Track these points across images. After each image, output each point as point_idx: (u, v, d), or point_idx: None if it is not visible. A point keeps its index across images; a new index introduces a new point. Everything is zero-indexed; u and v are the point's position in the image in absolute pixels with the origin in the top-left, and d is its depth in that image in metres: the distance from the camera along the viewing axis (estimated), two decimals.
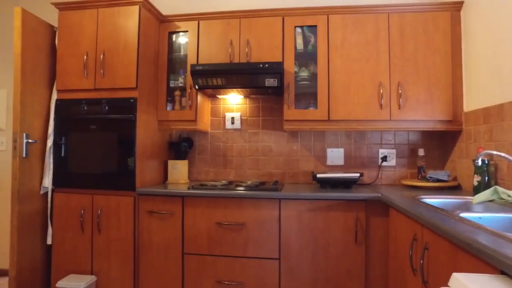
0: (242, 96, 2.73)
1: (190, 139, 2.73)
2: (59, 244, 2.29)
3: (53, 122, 2.36)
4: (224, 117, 2.77)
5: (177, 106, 2.55)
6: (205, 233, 2.13)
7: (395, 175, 2.62)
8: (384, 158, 2.61)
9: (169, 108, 2.55)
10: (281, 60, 2.39)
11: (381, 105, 2.31)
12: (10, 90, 3.24)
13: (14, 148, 2.16)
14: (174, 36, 2.59)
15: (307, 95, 2.52)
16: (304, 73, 2.47)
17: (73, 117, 2.32)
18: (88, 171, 2.27)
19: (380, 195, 1.98)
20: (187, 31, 2.53)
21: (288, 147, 2.71)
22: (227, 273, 2.11)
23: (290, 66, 2.40)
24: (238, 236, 2.10)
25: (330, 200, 2.04)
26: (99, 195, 2.24)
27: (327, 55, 2.37)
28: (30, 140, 2.24)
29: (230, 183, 2.45)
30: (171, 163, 2.56)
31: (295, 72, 2.44)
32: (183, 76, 2.54)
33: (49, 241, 2.36)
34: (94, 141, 2.27)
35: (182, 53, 2.57)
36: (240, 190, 2.11)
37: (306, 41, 2.47)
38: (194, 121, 2.45)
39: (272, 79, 2.27)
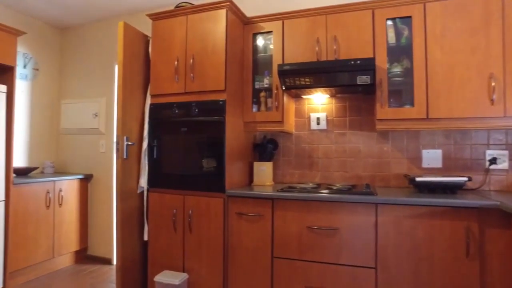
0: (328, 96, 2.61)
1: (275, 140, 2.70)
2: (154, 240, 2.42)
3: (147, 125, 2.50)
4: (309, 117, 2.69)
5: (262, 108, 2.54)
6: (295, 237, 2.07)
7: (507, 180, 2.28)
8: (493, 161, 2.29)
9: (254, 109, 2.55)
10: (372, 56, 2.24)
11: (492, 101, 2.03)
12: (108, 98, 3.55)
13: (117, 150, 2.33)
14: (258, 37, 2.59)
15: (401, 93, 2.32)
16: (397, 69, 2.28)
17: (165, 120, 2.43)
18: (179, 172, 2.35)
19: (498, 203, 1.72)
20: (271, 31, 2.50)
21: (378, 148, 2.52)
22: (319, 280, 2.01)
23: (382, 61, 2.23)
24: (330, 242, 2.00)
25: (434, 207, 1.84)
26: (190, 196, 2.31)
27: (424, 47, 2.16)
28: (129, 143, 2.39)
29: (319, 185, 2.36)
30: (257, 164, 2.55)
31: (387, 68, 2.26)
32: (268, 77, 2.52)
33: (145, 238, 2.50)
34: (185, 143, 2.35)
35: (266, 54, 2.55)
36: (333, 194, 2.01)
37: (398, 34, 2.28)
38: (281, 122, 2.41)
39: (364, 76, 2.13)
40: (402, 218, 1.88)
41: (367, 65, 2.09)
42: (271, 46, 2.52)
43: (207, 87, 2.30)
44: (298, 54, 2.40)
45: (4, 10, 3.34)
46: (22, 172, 3.27)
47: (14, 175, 3.16)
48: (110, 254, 3.48)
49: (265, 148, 2.61)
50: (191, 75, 2.35)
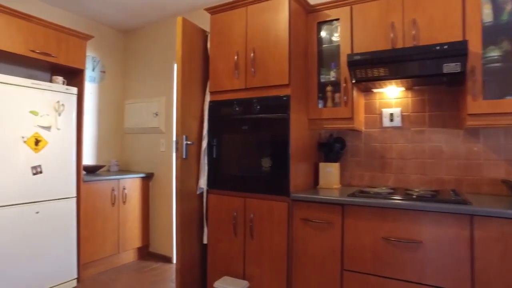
0: (403, 89, 2.31)
1: (342, 139, 2.46)
2: (214, 244, 2.32)
3: (207, 124, 2.41)
4: (380, 113, 2.40)
5: (329, 103, 2.31)
6: (369, 249, 1.82)
7: None
8: None
9: (320, 105, 2.33)
10: (461, 39, 1.90)
11: None
12: (168, 97, 3.57)
13: (177, 149, 2.27)
14: (323, 26, 2.36)
15: (498, 82, 1.95)
16: (494, 53, 1.91)
17: (225, 118, 2.32)
18: (240, 173, 2.23)
19: None
20: (338, 19, 2.26)
21: (465, 148, 2.16)
22: None
23: (474, 45, 1.88)
24: (412, 257, 1.72)
25: None
26: (252, 199, 2.17)
27: None
28: (188, 142, 2.32)
29: (394, 190, 2.08)
30: (322, 165, 2.34)
31: (481, 53, 1.90)
32: (335, 70, 2.28)
33: (205, 240, 2.42)
34: (246, 142, 2.21)
35: (332, 44, 2.32)
36: (416, 201, 1.73)
37: (498, 10, 1.91)
38: (351, 119, 2.17)
39: (452, 64, 1.81)
40: (508, 235, 1.55)
41: (458, 50, 1.76)
42: (338, 35, 2.28)
43: (269, 82, 2.14)
44: (369, 42, 2.14)
45: (73, 17, 3.50)
46: (91, 170, 3.40)
47: (84, 172, 3.30)
48: (170, 252, 3.50)
49: (332, 147, 2.38)
50: (252, 69, 2.20)
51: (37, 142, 2.58)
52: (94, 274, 3.12)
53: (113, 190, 3.24)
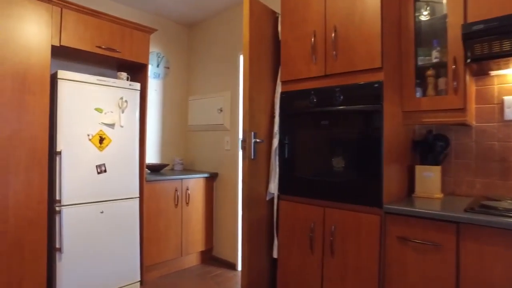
0: None
1: (444, 136, 1.97)
2: (285, 259, 2.00)
3: (278, 119, 2.09)
4: (501, 103, 1.86)
5: (430, 91, 1.84)
6: (501, 286, 1.35)
7: None
8: None
9: (418, 94, 1.87)
10: None
11: None
12: (233, 91, 3.33)
13: (244, 148, 1.99)
14: None
15: None
16: None
17: (300, 112, 1.97)
18: (318, 177, 1.87)
19: None
20: None
21: None
22: None
23: None
24: None
25: None
26: (333, 209, 1.80)
27: None
28: (257, 140, 2.03)
29: None
30: (420, 169, 1.88)
31: None
32: (438, 49, 1.81)
33: (275, 255, 2.11)
34: (325, 140, 1.84)
35: (435, 16, 1.85)
36: None
37: None
38: (463, 110, 1.68)
39: None
40: None
41: None
42: (444, 3, 1.80)
43: (355, 66, 1.75)
44: (493, 6, 1.62)
45: (136, 12, 3.43)
46: (155, 169, 3.30)
47: (147, 171, 3.20)
48: (234, 258, 3.26)
49: (432, 146, 1.91)
50: (333, 52, 1.83)
51: (101, 140, 2.49)
52: (157, 278, 3.00)
53: (176, 190, 3.09)
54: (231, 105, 3.33)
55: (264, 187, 2.12)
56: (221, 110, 3.38)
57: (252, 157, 1.99)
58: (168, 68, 3.72)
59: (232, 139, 3.30)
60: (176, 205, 3.09)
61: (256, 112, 2.05)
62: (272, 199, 2.15)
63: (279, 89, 2.11)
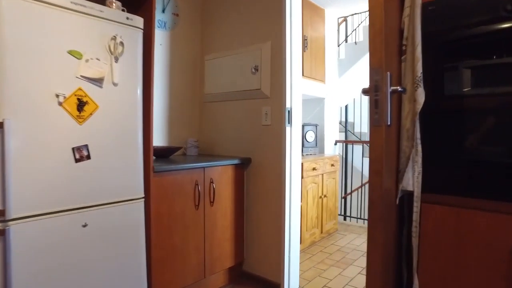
0: None
1: None
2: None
3: (420, 56, 1.10)
4: None
5: None
6: None
7: None
8: None
9: None
10: None
11: None
12: (275, 41, 2.32)
13: (375, 105, 1.00)
14: None
15: None
16: None
17: (472, 36, 0.99)
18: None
19: None
20: None
21: None
22: None
23: None
24: None
25: None
26: None
27: None
28: (398, 88, 1.04)
29: None
30: None
31: None
32: None
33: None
34: None
35: None
36: None
37: None
38: None
39: None
40: None
41: None
42: None
43: None
44: None
45: None
46: (162, 154, 2.32)
47: (154, 157, 2.21)
48: (277, 276, 2.32)
49: None
50: None
51: (81, 105, 1.49)
52: None
53: (196, 184, 2.11)
54: (271, 61, 2.32)
55: (393, 181, 1.14)
56: (256, 69, 2.38)
57: (389, 123, 1.00)
58: (177, 15, 2.69)
59: (274, 109, 2.31)
60: (197, 206, 2.12)
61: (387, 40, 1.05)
62: (402, 198, 1.18)
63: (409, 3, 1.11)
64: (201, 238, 2.15)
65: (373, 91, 0.95)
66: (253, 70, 2.37)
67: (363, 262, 2.87)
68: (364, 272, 2.56)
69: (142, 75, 1.73)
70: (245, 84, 2.44)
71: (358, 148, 4.93)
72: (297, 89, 2.30)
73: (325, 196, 3.50)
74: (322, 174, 3.47)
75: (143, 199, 1.75)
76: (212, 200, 2.22)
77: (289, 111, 2.26)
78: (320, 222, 3.46)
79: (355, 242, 3.43)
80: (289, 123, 2.26)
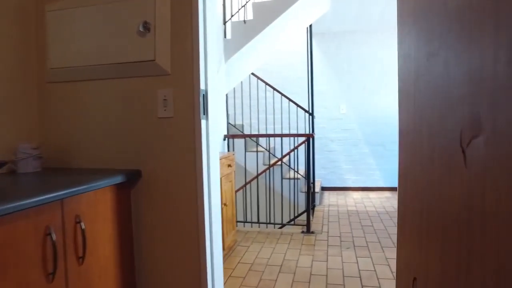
0: None
1: None
2: None
3: None
4: None
5: None
6: None
7: None
8: None
9: None
10: None
11: None
12: None
13: None
14: None
15: None
16: None
17: None
18: None
19: None
20: None
21: None
22: None
23: None
24: None
25: None
26: None
27: None
28: None
29: None
30: None
31: None
32: None
33: None
34: None
35: None
36: None
37: None
38: None
39: None
40: None
41: None
42: None
43: None
44: None
45: None
46: None
47: None
48: None
49: None
50: None
51: None
52: None
53: (47, 234, 1.10)
54: (172, 15, 1.47)
55: None
56: (146, 28, 1.47)
57: None
58: None
59: (179, 93, 1.47)
60: (52, 275, 1.11)
61: None
62: None
63: None
64: None
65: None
66: (142, 29, 1.45)
67: (285, 279, 2.35)
68: None
69: None
70: (127, 53, 1.50)
71: (239, 142, 4.49)
72: (215, 60, 1.54)
73: (225, 204, 2.83)
74: (220, 178, 2.77)
75: None
76: (81, 254, 1.24)
77: (204, 95, 1.47)
78: (222, 239, 2.77)
79: (263, 254, 2.90)
80: (204, 114, 1.48)
